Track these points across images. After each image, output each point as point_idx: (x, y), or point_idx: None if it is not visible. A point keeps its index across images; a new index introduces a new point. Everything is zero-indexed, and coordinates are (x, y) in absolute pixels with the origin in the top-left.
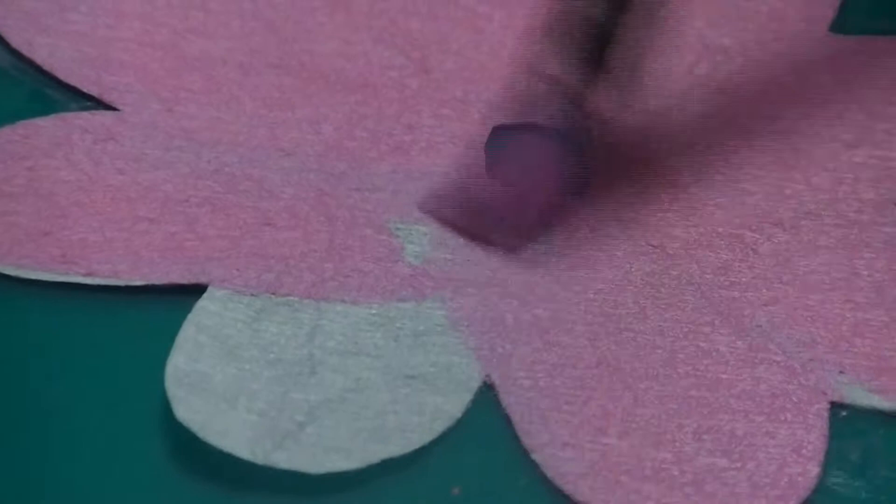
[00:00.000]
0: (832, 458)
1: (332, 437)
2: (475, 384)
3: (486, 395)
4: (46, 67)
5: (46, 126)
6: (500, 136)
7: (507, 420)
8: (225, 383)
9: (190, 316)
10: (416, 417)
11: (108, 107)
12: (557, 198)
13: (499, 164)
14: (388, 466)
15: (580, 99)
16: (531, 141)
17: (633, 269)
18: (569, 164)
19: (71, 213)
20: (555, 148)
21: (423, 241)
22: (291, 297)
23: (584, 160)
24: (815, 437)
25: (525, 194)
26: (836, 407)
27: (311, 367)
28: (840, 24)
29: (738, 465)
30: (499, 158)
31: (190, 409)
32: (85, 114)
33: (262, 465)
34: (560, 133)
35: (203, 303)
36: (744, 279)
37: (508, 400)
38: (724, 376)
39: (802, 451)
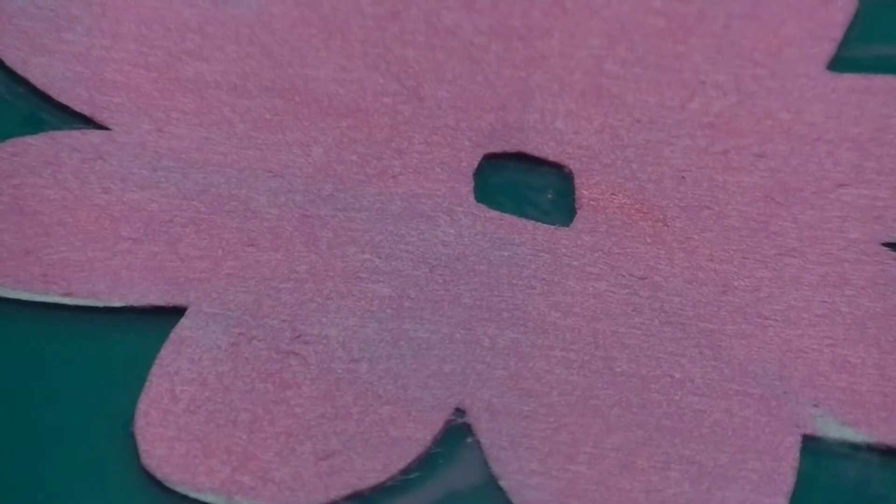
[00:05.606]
0: (801, 491)
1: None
2: (447, 409)
3: (458, 420)
4: (40, 86)
5: (36, 144)
6: None
7: (478, 445)
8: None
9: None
10: (386, 444)
11: (100, 126)
12: None
13: None
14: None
15: None
16: None
17: (613, 300)
18: None
19: (54, 231)
20: None
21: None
22: (269, 321)
23: None
24: (784, 470)
25: None
26: (807, 440)
27: (285, 400)
28: (838, 62)
29: (707, 495)
30: None
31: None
32: (75, 132)
33: None
34: None
35: (179, 332)
36: (723, 313)
37: (479, 425)
38: (697, 407)
39: (771, 483)
